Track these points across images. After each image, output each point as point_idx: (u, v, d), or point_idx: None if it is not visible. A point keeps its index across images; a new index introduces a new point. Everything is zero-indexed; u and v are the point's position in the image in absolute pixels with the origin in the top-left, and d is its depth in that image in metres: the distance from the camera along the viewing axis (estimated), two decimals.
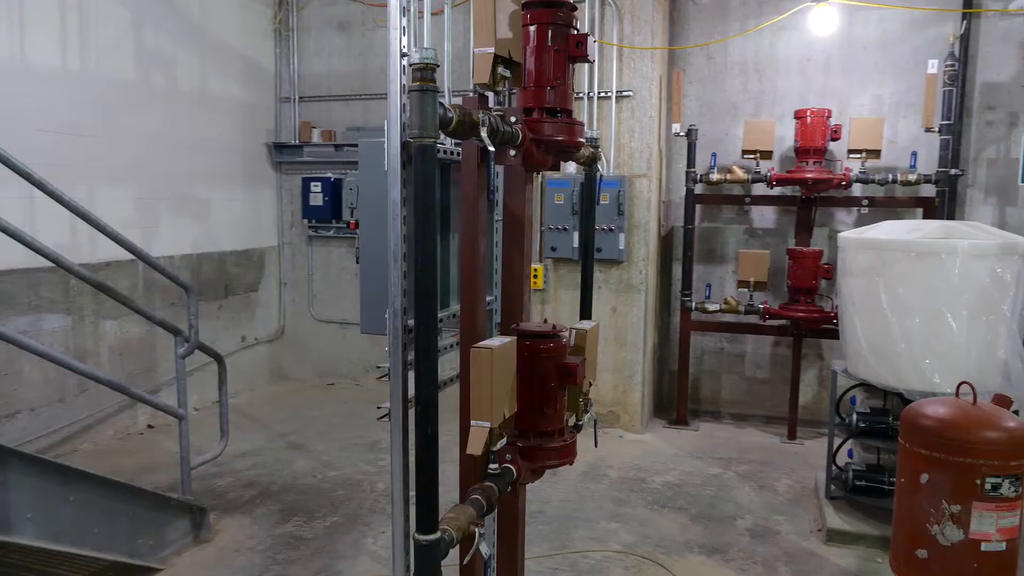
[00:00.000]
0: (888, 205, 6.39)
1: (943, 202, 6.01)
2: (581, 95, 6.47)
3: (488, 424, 2.34)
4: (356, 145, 7.88)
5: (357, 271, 8.22)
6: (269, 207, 8.29)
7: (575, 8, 2.67)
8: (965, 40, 6.09)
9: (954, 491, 3.23)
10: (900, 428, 3.54)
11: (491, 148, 2.12)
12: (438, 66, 1.83)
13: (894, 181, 6.06)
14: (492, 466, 2.50)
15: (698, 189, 6.67)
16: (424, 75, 1.82)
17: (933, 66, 5.86)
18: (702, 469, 5.91)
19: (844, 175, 6.09)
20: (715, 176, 6.47)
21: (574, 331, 2.97)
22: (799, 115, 6.19)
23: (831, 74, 6.62)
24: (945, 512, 3.24)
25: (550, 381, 2.71)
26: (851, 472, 4.78)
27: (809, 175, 6.11)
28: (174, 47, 6.85)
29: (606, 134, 6.46)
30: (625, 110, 6.44)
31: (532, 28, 2.59)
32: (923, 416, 3.41)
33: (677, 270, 7.15)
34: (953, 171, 5.99)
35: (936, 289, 4.26)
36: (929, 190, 6.16)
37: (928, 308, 4.29)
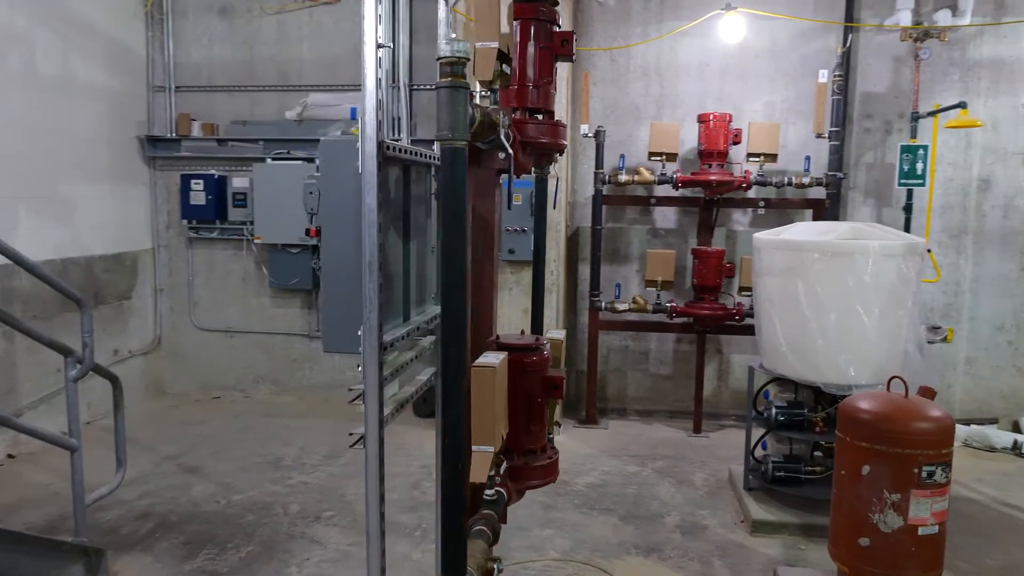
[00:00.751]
0: (781, 207, 6.74)
1: (832, 204, 6.41)
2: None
3: (492, 449, 2.17)
4: (243, 140, 7.37)
5: (245, 275, 7.69)
6: (142, 206, 7.53)
7: (556, 3, 2.54)
8: (847, 52, 6.53)
9: (894, 481, 3.40)
10: (839, 422, 3.68)
11: (510, 151, 1.96)
12: (468, 60, 1.64)
13: (789, 184, 6.40)
14: (488, 492, 2.33)
15: (605, 190, 6.73)
16: (455, 70, 1.63)
17: (823, 76, 6.24)
18: (620, 468, 5.97)
19: (745, 177, 6.35)
20: (624, 177, 6.56)
21: (549, 341, 2.84)
22: (703, 119, 6.39)
23: (728, 80, 6.89)
24: (887, 501, 3.41)
25: (537, 396, 2.58)
26: (771, 464, 4.98)
27: (713, 177, 6.32)
28: (30, 25, 6.03)
29: None
30: None
31: (517, 23, 2.44)
32: (861, 411, 3.56)
33: (583, 270, 7.19)
34: (838, 174, 6.41)
35: (850, 287, 4.50)
36: (817, 192, 6.56)
37: (843, 305, 4.53)
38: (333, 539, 4.64)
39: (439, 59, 1.64)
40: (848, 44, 6.46)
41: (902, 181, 6.33)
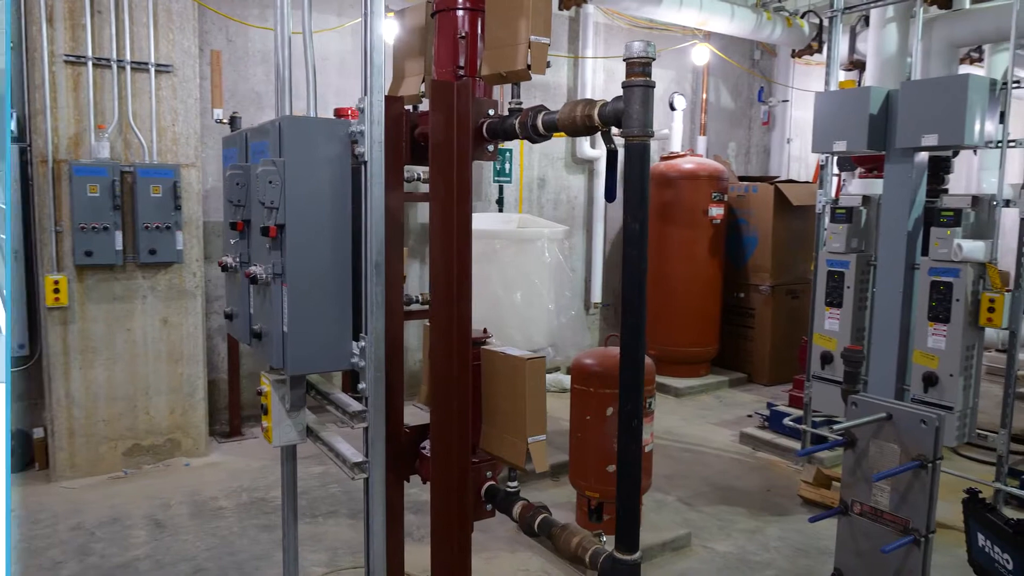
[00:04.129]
0: (413, 200, 7.25)
1: None
2: (108, 61, 5.24)
3: (544, 437, 2.22)
4: None
5: None
6: None
7: None
8: None
9: None
10: (577, 378, 4.46)
11: (616, 147, 2.02)
12: (654, 59, 1.72)
13: (417, 179, 6.95)
14: (511, 484, 2.34)
15: None
16: (646, 70, 1.70)
17: None
18: (305, 470, 5.73)
19: None
20: None
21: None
22: (340, 113, 6.45)
23: (345, 76, 7.05)
24: None
25: None
26: None
27: None
28: None
29: (144, 113, 5.42)
30: (165, 87, 5.51)
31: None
32: (596, 366, 4.41)
33: (211, 269, 6.49)
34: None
35: (532, 268, 5.35)
36: None
37: (527, 283, 5.35)
38: None
39: (629, 59, 1.67)
40: None
41: (496, 179, 7.52)
